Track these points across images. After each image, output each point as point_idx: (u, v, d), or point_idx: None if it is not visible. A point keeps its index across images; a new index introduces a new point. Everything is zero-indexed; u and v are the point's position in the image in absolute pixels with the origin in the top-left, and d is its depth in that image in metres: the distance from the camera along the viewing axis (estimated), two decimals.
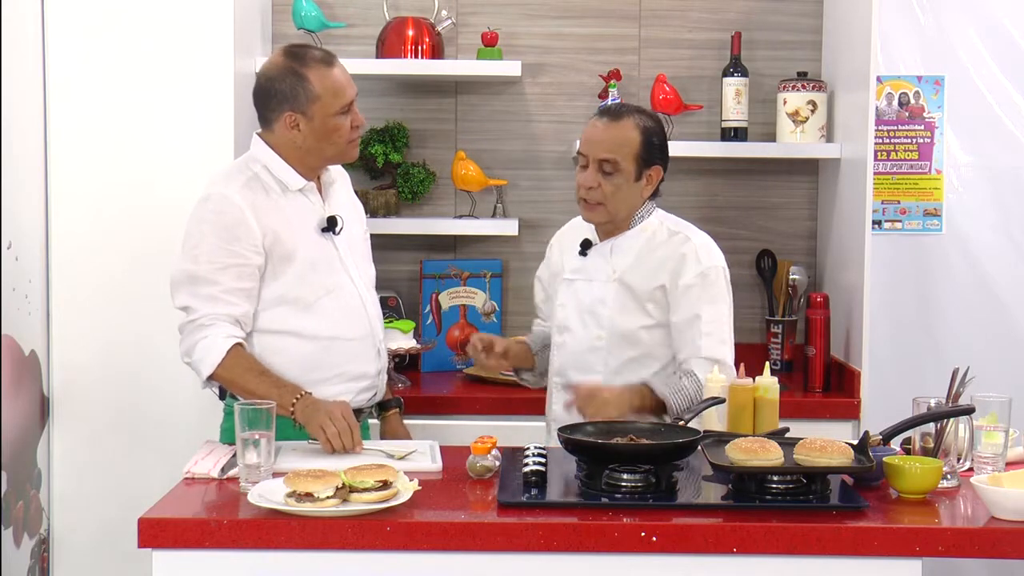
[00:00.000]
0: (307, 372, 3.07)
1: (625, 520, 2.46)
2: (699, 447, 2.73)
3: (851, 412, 3.79)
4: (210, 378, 3.02)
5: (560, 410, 3.25)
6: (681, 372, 3.15)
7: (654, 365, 3.21)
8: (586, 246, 3.28)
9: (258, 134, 3.16)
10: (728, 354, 3.16)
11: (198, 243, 3.03)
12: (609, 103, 3.24)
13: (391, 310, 4.11)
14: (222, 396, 3.19)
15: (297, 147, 3.09)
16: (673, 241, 3.22)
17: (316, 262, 3.09)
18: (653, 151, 3.20)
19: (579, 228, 3.34)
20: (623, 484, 2.62)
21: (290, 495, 2.47)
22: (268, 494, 2.52)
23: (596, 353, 3.23)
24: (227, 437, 3.16)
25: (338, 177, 3.26)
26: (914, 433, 2.83)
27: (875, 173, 3.92)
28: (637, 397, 3.11)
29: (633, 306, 3.20)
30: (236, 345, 2.99)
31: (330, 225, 3.12)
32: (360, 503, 2.47)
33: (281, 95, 3.06)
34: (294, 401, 2.94)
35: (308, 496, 2.45)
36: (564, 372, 3.29)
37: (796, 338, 4.21)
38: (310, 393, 2.98)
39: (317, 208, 3.14)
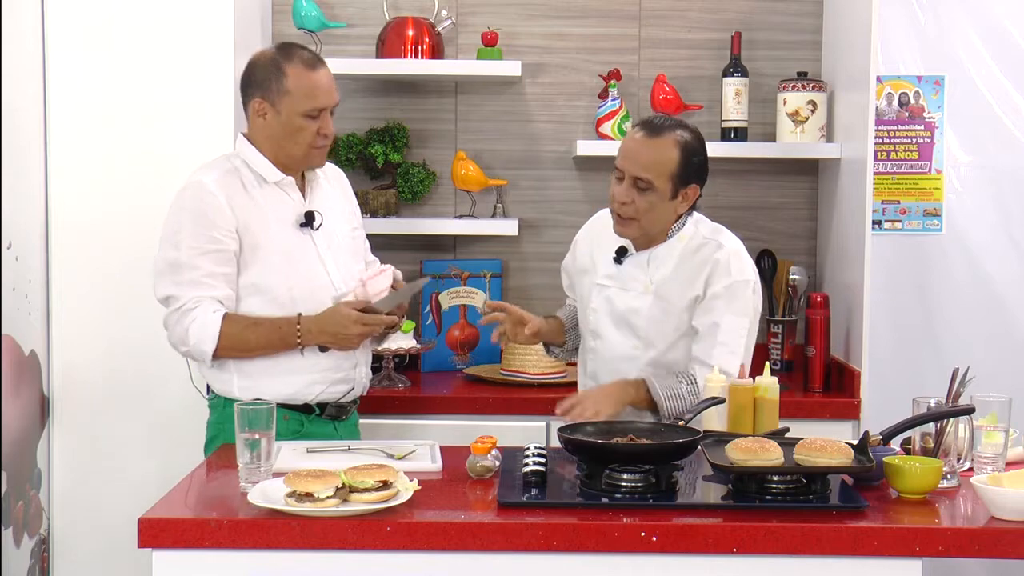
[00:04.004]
0: (278, 361, 3.12)
1: (625, 520, 2.46)
2: (699, 447, 2.73)
3: (851, 412, 3.79)
4: (215, 356, 3.07)
5: None
6: (682, 376, 3.14)
7: None
8: (622, 253, 3.23)
9: (243, 133, 3.21)
10: (734, 366, 3.08)
11: (178, 231, 3.09)
12: (651, 116, 3.19)
13: None
14: (208, 390, 3.24)
15: (268, 137, 3.14)
16: (706, 249, 3.17)
17: (287, 254, 3.13)
18: (691, 170, 3.14)
19: (612, 227, 3.28)
20: (623, 484, 2.62)
21: (290, 495, 2.47)
22: (268, 494, 2.52)
23: (631, 362, 3.20)
24: (214, 431, 3.20)
25: (328, 175, 3.30)
26: (914, 433, 2.83)
27: (875, 173, 3.92)
28: (632, 389, 3.10)
29: (670, 317, 3.17)
30: (225, 315, 3.06)
31: (308, 220, 3.16)
32: (360, 503, 2.47)
33: (256, 82, 3.13)
34: (297, 334, 3.06)
35: (308, 496, 2.45)
36: (597, 376, 3.26)
37: (796, 338, 4.21)
38: (299, 315, 3.08)
39: (296, 203, 3.18)
